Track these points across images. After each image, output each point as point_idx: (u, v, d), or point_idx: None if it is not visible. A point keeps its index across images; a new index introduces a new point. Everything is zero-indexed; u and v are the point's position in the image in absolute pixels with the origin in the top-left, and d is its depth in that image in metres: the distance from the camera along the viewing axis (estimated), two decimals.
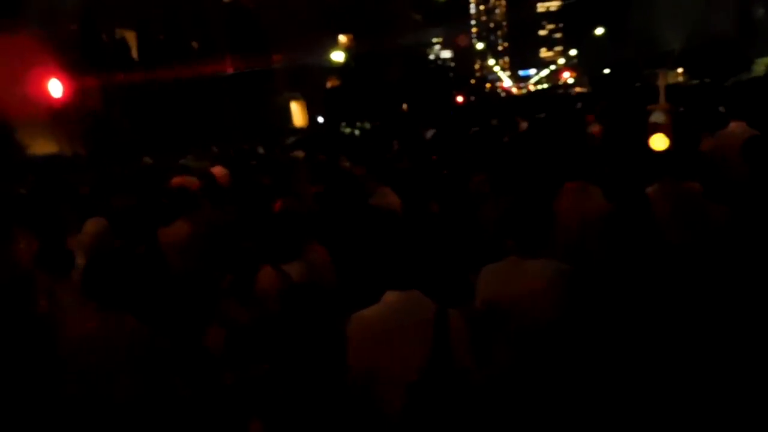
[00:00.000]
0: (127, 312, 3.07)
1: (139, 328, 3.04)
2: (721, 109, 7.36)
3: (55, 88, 14.08)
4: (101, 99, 16.85)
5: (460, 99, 64.59)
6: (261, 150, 11.43)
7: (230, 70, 23.15)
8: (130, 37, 18.87)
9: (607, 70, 73.43)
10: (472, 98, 69.02)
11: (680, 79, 54.78)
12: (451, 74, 69.00)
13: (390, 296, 2.50)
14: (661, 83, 5.55)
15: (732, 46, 36.41)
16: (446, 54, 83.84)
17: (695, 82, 33.85)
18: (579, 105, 17.24)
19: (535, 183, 4.62)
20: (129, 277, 3.32)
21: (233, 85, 22.31)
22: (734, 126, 5.07)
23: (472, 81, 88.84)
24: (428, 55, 72.44)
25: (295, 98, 36.57)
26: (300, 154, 9.89)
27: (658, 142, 5.51)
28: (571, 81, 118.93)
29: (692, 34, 45.53)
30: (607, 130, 7.24)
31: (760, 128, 5.19)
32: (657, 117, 5.78)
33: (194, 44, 21.63)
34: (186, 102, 19.48)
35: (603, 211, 3.82)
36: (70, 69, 14.23)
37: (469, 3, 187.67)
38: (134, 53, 18.78)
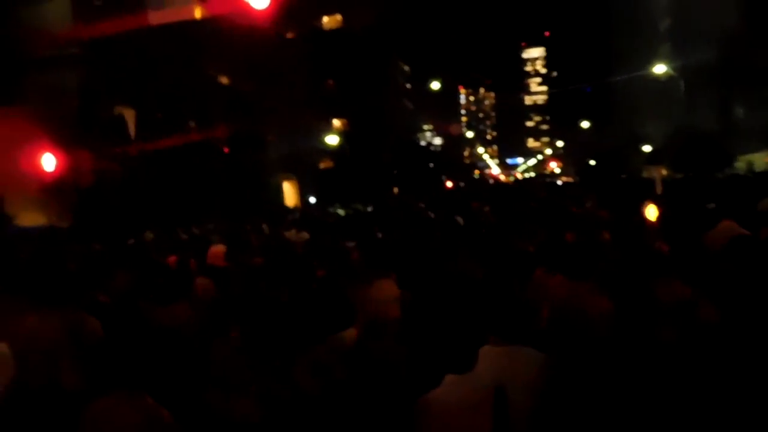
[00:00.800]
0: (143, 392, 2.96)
1: (155, 408, 2.90)
2: (711, 205, 7.43)
3: (48, 162, 14.18)
4: (94, 174, 16.92)
5: (449, 184, 65.67)
6: (265, 229, 11.30)
7: (226, 150, 23.48)
8: (129, 114, 19.20)
9: (592, 162, 75.46)
10: (462, 184, 70.24)
11: (664, 172, 56.24)
12: (442, 160, 70.41)
13: (451, 378, 2.64)
14: (657, 177, 5.62)
15: (715, 143, 37.63)
16: (437, 140, 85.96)
17: (680, 176, 34.78)
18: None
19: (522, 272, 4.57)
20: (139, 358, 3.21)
21: (228, 164, 22.58)
22: (725, 224, 5.04)
23: (462, 167, 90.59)
24: (420, 141, 74.21)
25: (288, 178, 36.97)
26: (305, 235, 9.75)
27: (651, 212, 5.52)
28: (557, 170, 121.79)
29: (675, 129, 47.14)
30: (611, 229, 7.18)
31: (748, 227, 5.20)
32: (650, 215, 5.73)
33: (191, 123, 22.04)
34: (180, 178, 19.61)
35: (603, 309, 3.76)
36: (65, 144, 14.38)
37: (460, 93, 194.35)
38: (132, 130, 19.06)
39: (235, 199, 21.20)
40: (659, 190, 4.97)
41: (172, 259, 7.11)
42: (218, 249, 7.90)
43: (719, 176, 28.39)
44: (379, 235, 8.28)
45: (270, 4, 6.15)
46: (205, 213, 18.21)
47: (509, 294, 2.94)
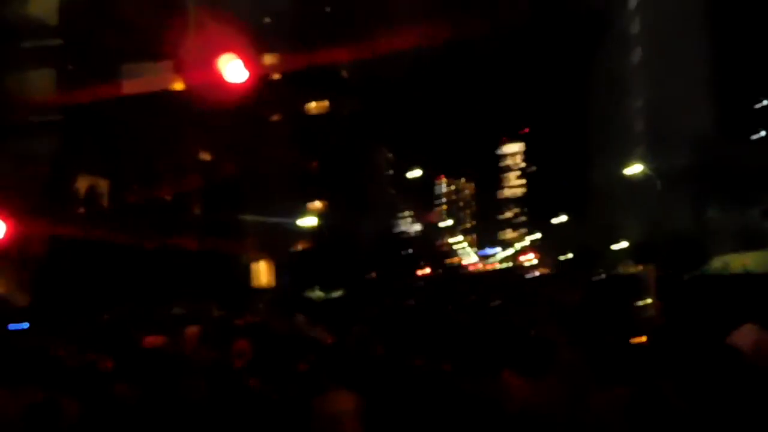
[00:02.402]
0: None
1: None
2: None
3: None
4: (50, 245, 16.18)
5: (426, 270, 65.36)
6: (249, 318, 10.67)
7: (200, 226, 22.96)
8: (103, 184, 18.76)
9: (569, 255, 76.05)
10: (440, 271, 69.98)
11: (638, 269, 56.65)
12: (420, 247, 70.51)
13: None
14: (650, 277, 5.30)
15: (691, 243, 38.04)
16: (416, 227, 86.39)
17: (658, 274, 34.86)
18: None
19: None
20: None
21: (201, 241, 22.01)
22: (749, 327, 4.67)
23: (439, 255, 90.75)
24: (399, 226, 74.48)
25: (262, 258, 36.37)
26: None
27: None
28: (534, 262, 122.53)
29: (650, 227, 47.86)
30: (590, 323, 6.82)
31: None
32: (648, 314, 5.37)
33: (167, 197, 21.60)
34: (151, 253, 18.97)
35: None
36: (23, 212, 13.76)
37: (441, 182, 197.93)
38: (104, 201, 18.55)
39: (206, 277, 20.52)
40: (653, 289, 4.69)
41: (150, 340, 6.71)
42: (192, 330, 7.69)
43: (696, 275, 28.41)
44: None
45: (248, 79, 5.89)
46: (174, 291, 17.51)
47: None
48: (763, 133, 42.92)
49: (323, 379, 4.15)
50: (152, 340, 6.76)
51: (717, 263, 39.88)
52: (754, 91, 46.43)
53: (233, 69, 6.25)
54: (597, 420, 3.57)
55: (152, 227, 18.55)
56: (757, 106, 47.12)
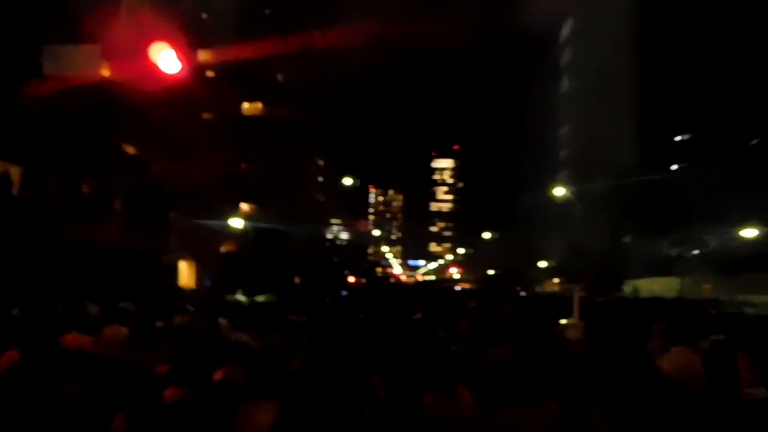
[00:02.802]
0: None
1: None
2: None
3: None
4: None
5: (352, 279, 65.24)
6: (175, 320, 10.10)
7: (120, 222, 21.93)
8: (15, 172, 17.62)
9: (491, 271, 77.88)
10: (363, 280, 70.02)
11: (557, 288, 58.77)
12: (347, 255, 70.37)
13: None
14: (575, 299, 5.42)
15: (606, 266, 39.69)
16: (344, 235, 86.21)
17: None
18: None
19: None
20: None
21: (119, 237, 21.03)
22: (678, 350, 4.80)
23: (365, 264, 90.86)
24: (328, 234, 74.09)
25: (184, 258, 35.25)
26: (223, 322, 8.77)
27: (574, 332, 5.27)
28: (457, 276, 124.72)
29: (569, 248, 49.65)
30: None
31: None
32: (571, 334, 5.55)
33: (84, 188, 20.52)
34: (61, 249, 17.96)
35: None
36: None
37: (370, 192, 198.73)
38: (15, 190, 17.40)
39: (123, 276, 19.61)
40: (577, 310, 4.76)
41: (71, 339, 6.17)
42: (114, 330, 7.11)
43: (610, 298, 29.67)
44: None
45: (181, 71, 5.64)
46: (89, 288, 16.64)
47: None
48: (676, 167, 45.50)
49: (245, 387, 3.96)
50: (73, 340, 6.28)
51: (628, 287, 41.91)
52: (674, 125, 49.15)
53: (166, 59, 5.99)
54: None
55: (68, 220, 17.56)
56: (677, 138, 49.87)
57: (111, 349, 6.06)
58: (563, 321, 5.24)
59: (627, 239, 48.82)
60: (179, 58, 5.96)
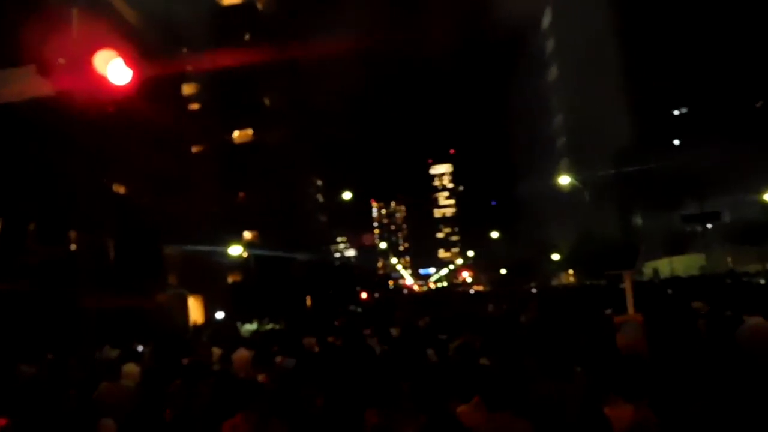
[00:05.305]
0: None
1: None
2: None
3: None
4: None
5: (364, 295, 64.37)
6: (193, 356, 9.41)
7: (114, 265, 21.06)
8: None
9: (503, 270, 76.82)
10: (376, 294, 69.10)
11: (571, 279, 57.68)
12: (356, 271, 69.55)
13: None
14: (627, 287, 4.51)
15: (622, 250, 38.66)
16: (351, 252, 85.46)
17: (593, 282, 35.21)
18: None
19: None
20: None
21: (116, 279, 20.18)
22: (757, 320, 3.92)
23: (376, 278, 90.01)
24: (334, 252, 73.34)
25: (191, 293, 34.49)
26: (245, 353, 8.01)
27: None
28: (469, 280, 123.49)
29: (580, 237, 48.62)
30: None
31: None
32: (628, 332, 4.53)
33: (72, 233, 19.65)
34: (55, 298, 17.15)
35: None
36: None
37: (372, 206, 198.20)
38: None
39: (126, 320, 18.78)
40: (631, 302, 3.97)
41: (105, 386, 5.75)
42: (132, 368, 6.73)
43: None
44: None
45: (133, 80, 4.84)
46: (90, 337, 15.85)
47: None
48: (678, 142, 44.57)
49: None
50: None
51: (647, 269, 40.83)
52: (671, 99, 48.30)
53: (114, 68, 5.19)
54: None
55: (56, 275, 16.57)
56: (676, 112, 48.98)
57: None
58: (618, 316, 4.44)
59: (638, 220, 47.88)
60: (128, 66, 5.14)
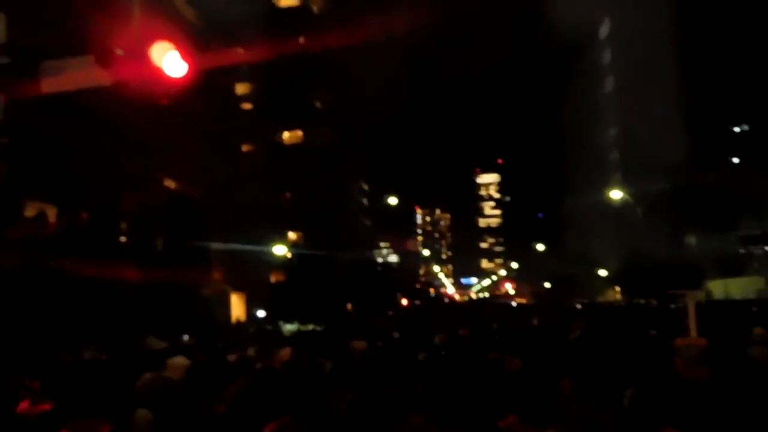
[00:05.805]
0: None
1: None
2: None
3: None
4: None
5: (405, 302, 64.08)
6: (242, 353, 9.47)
7: (161, 257, 21.55)
8: (51, 212, 17.39)
9: (547, 284, 75.46)
10: (417, 302, 68.73)
11: (618, 297, 56.20)
12: (397, 277, 69.36)
13: None
14: (690, 308, 4.27)
15: (685, 270, 37.31)
16: (393, 258, 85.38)
17: (639, 302, 34.21)
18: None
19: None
20: None
21: (164, 273, 20.63)
22: None
23: (417, 285, 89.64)
24: (376, 257, 73.40)
25: (234, 290, 35.00)
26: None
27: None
28: (512, 292, 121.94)
29: (630, 254, 47.31)
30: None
31: None
32: (687, 355, 4.22)
33: (123, 226, 20.21)
34: (107, 289, 17.63)
35: None
36: None
37: (416, 213, 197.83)
38: (50, 228, 17.14)
39: (171, 312, 19.15)
40: (694, 325, 3.74)
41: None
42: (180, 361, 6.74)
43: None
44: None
45: (188, 73, 4.85)
46: (135, 327, 16.21)
47: None
48: (737, 160, 43.03)
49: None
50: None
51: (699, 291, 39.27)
52: (729, 116, 46.71)
53: (170, 61, 5.23)
54: None
55: (104, 256, 17.17)
56: (736, 129, 47.35)
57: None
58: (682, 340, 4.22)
59: (691, 239, 46.35)
60: (184, 60, 5.16)
